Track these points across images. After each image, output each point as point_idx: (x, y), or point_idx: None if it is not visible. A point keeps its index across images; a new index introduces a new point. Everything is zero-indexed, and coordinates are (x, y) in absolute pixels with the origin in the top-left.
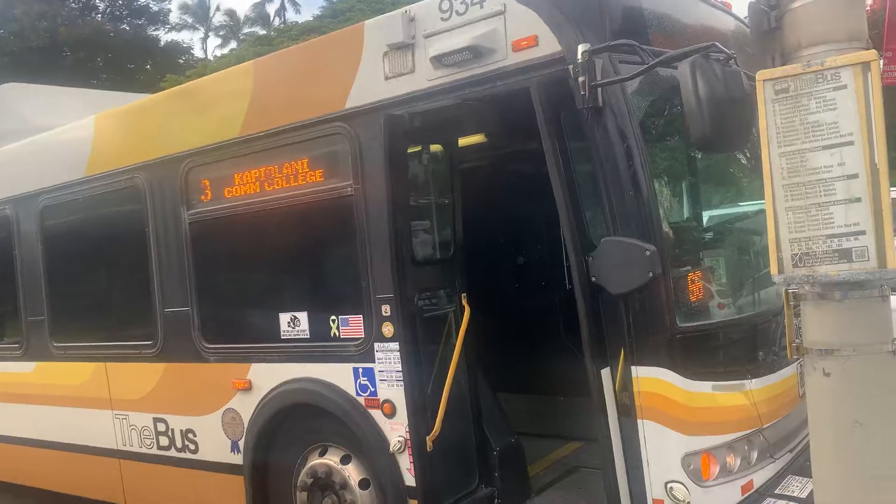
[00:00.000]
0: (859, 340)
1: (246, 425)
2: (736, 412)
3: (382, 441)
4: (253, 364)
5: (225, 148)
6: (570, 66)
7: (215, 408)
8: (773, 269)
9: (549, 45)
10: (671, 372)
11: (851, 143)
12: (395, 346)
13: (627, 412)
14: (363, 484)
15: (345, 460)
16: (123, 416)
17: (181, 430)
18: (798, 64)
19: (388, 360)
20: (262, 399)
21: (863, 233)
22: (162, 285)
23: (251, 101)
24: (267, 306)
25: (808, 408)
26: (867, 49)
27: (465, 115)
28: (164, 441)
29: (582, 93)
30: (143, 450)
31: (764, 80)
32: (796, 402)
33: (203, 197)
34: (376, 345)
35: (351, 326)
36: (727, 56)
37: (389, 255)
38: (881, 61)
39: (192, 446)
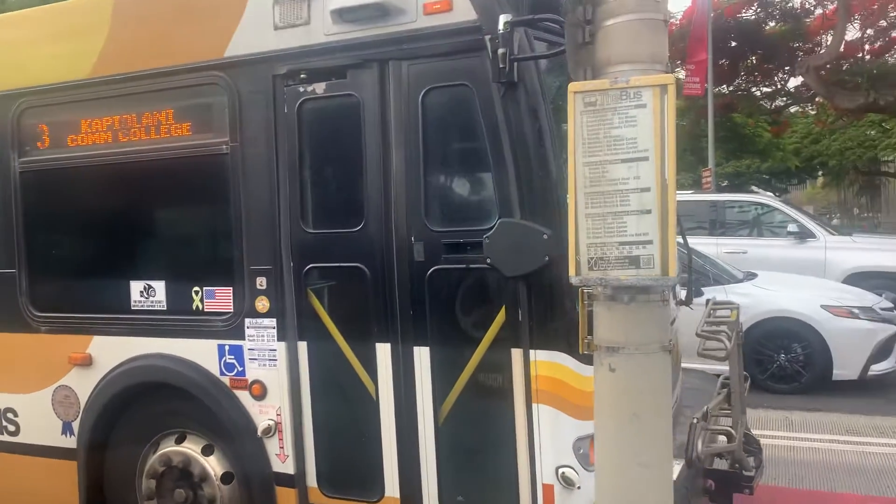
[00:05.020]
0: (641, 340)
1: (83, 404)
2: None
3: (249, 424)
4: (95, 336)
5: (71, 89)
6: (488, 37)
7: (44, 384)
8: (572, 270)
9: (463, 11)
10: (568, 356)
11: (647, 158)
12: (270, 322)
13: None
14: (226, 478)
15: (206, 451)
16: None
17: None
18: (606, 79)
19: (262, 337)
20: (105, 376)
21: (650, 242)
22: None
23: (108, 38)
24: (115, 273)
25: (594, 400)
26: (667, 72)
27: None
28: None
29: (501, 66)
30: None
31: (575, 93)
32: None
33: (40, 144)
34: (248, 321)
35: (217, 299)
36: None
37: (270, 223)
38: (684, 73)
39: (11, 427)
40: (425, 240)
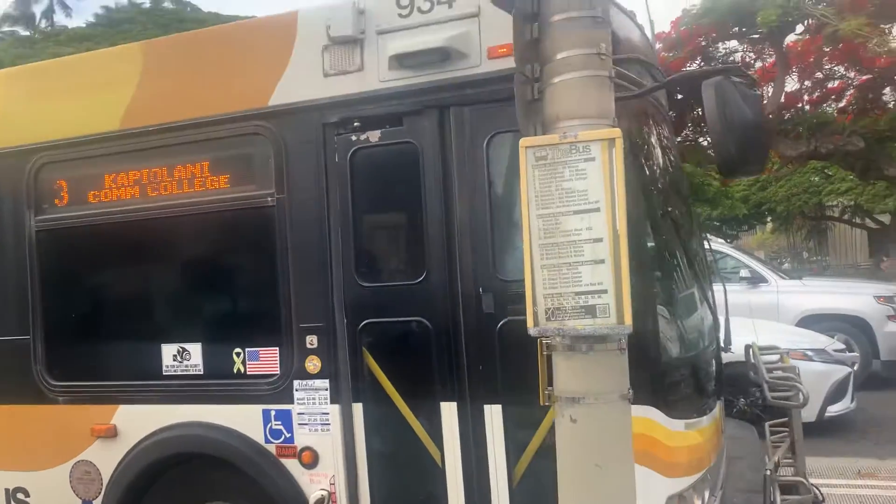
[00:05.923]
0: (601, 389)
1: (105, 481)
2: (698, 451)
3: (298, 496)
4: (121, 406)
5: (96, 143)
6: None
7: (61, 460)
8: (529, 321)
9: None
10: (658, 411)
11: (598, 209)
12: (322, 383)
13: None
14: None
15: None
16: None
17: (7, 490)
18: (556, 134)
19: (312, 400)
20: (132, 448)
21: (605, 291)
22: None
23: (138, 88)
24: (144, 337)
25: (557, 451)
26: (614, 126)
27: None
28: None
29: None
30: None
31: (526, 147)
32: (722, 439)
33: (58, 201)
34: (296, 382)
35: (262, 361)
36: (750, 80)
37: (322, 278)
38: None
39: None
40: (494, 290)
